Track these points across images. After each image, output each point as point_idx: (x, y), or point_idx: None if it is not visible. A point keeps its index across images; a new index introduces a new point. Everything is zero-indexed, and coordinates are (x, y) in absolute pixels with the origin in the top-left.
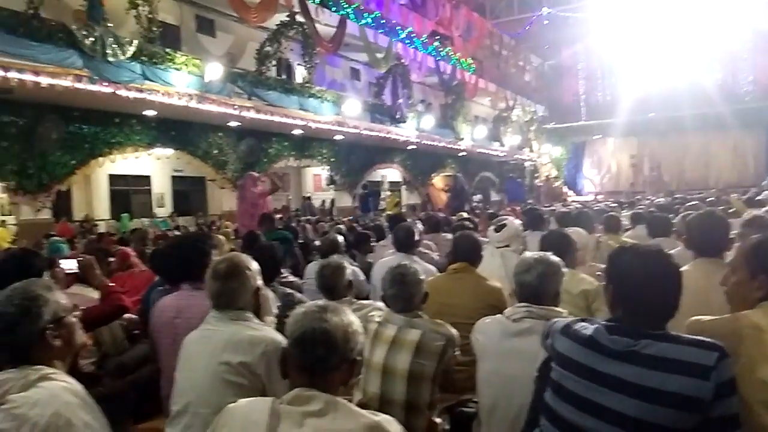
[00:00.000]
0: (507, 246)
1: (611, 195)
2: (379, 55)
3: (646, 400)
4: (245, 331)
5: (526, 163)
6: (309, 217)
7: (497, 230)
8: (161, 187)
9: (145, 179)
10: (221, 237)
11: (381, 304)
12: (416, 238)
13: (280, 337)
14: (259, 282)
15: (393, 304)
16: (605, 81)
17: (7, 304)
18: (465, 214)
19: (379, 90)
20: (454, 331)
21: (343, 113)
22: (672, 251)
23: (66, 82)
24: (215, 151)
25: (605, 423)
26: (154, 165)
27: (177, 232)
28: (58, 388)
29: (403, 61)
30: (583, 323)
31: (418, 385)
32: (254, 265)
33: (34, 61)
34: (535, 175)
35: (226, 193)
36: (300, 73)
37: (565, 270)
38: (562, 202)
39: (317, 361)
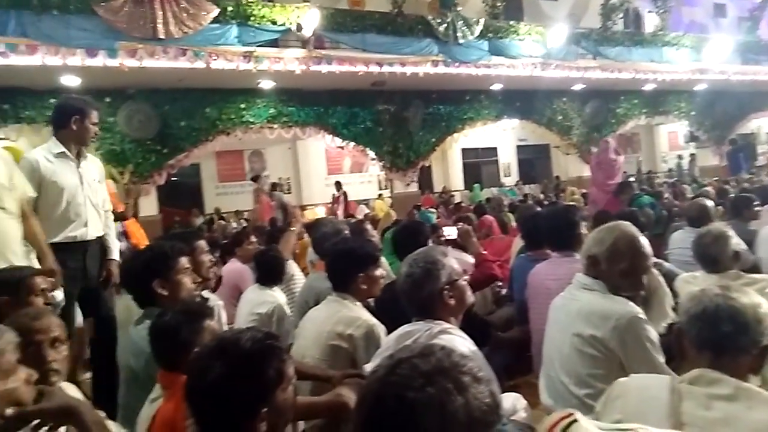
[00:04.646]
0: None
1: None
2: None
3: None
4: (598, 303)
5: None
6: (666, 180)
7: None
8: (507, 156)
9: (492, 150)
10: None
11: None
12: None
13: (634, 311)
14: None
15: None
16: None
17: (414, 266)
18: None
19: (754, 23)
20: None
21: (704, 59)
22: None
23: (426, 69)
24: (559, 117)
25: None
26: (500, 136)
27: (524, 200)
28: (454, 340)
29: None
30: None
31: None
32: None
33: (400, 54)
34: None
35: (571, 159)
36: (651, 22)
37: None
38: None
39: (723, 339)
